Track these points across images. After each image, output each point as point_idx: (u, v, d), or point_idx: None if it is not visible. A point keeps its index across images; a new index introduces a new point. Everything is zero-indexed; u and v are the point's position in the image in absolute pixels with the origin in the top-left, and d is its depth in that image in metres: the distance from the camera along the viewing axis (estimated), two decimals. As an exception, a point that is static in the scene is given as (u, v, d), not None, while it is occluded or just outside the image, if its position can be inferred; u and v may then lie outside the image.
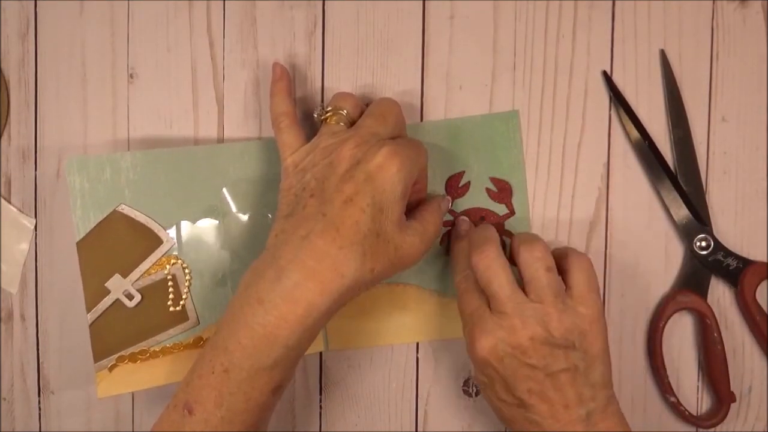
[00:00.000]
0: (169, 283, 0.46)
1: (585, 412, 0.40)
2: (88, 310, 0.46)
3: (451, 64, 0.48)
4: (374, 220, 0.39)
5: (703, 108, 0.48)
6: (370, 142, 0.41)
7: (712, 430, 0.48)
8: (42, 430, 0.50)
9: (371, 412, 0.50)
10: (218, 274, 0.47)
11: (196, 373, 0.40)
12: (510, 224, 0.48)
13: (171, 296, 0.46)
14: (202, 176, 0.47)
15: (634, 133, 0.48)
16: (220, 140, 0.49)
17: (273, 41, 0.49)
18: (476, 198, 0.48)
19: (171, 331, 0.46)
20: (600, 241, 0.49)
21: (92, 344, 0.46)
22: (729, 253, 0.48)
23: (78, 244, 0.46)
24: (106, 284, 0.46)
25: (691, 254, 0.48)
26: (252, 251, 0.47)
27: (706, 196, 0.48)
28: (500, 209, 0.48)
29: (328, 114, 0.44)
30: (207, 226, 0.47)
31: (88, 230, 0.46)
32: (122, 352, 0.46)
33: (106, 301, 0.46)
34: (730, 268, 0.48)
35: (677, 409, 0.48)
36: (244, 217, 0.47)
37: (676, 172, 0.48)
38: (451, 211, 0.48)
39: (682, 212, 0.48)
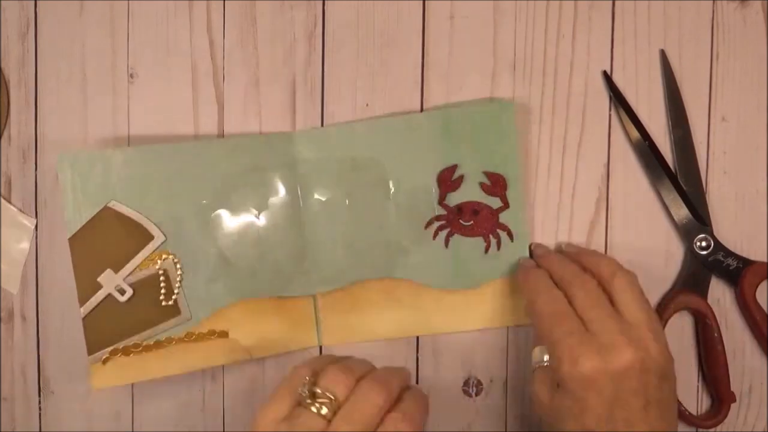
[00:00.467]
0: (161, 278, 0.46)
1: None
2: (81, 304, 0.46)
3: (451, 64, 0.48)
4: None
5: (703, 108, 0.48)
6: None
7: (712, 430, 0.48)
8: (42, 430, 0.50)
9: (371, 412, 0.49)
10: (210, 270, 0.47)
11: None
12: (504, 217, 0.47)
13: (163, 291, 0.46)
14: (193, 172, 0.46)
15: (634, 133, 0.48)
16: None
17: (273, 41, 0.49)
18: (470, 192, 0.47)
19: (163, 326, 0.46)
20: (600, 241, 0.49)
21: (86, 337, 0.46)
22: (729, 253, 0.48)
23: (70, 239, 0.46)
24: (98, 279, 0.46)
25: (691, 254, 0.48)
26: (243, 247, 0.47)
27: (706, 196, 0.48)
28: (494, 202, 0.47)
29: (312, 398, 0.37)
30: (198, 222, 0.47)
31: (80, 226, 0.46)
32: (115, 346, 0.46)
33: (99, 296, 0.46)
34: (730, 268, 0.48)
35: (677, 409, 0.48)
36: (235, 213, 0.47)
37: (676, 172, 0.48)
38: (443, 205, 0.47)
39: (682, 212, 0.48)
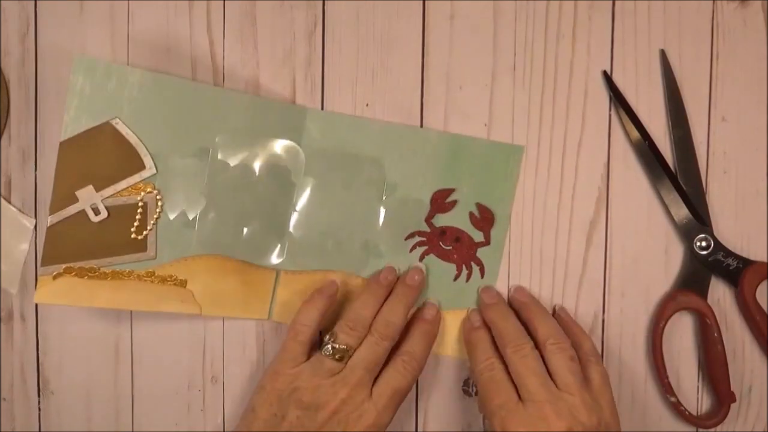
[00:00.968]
0: (139, 210, 0.45)
1: None
2: (51, 212, 0.45)
3: (451, 64, 0.48)
4: None
5: (703, 108, 0.48)
6: (359, 396, 0.43)
7: (712, 430, 0.48)
8: (42, 430, 0.50)
9: (371, 412, 0.49)
10: (189, 215, 0.47)
11: None
12: (482, 253, 0.48)
13: (136, 224, 0.46)
14: (203, 115, 0.46)
15: (634, 133, 0.48)
16: (220, 140, 0.49)
17: (273, 41, 0.49)
18: (458, 218, 0.48)
19: (126, 257, 0.46)
20: (600, 241, 0.49)
21: (44, 248, 0.45)
22: (729, 253, 0.48)
23: (61, 143, 0.44)
24: (76, 192, 0.45)
25: (691, 254, 0.48)
26: (232, 201, 0.47)
27: (706, 196, 0.48)
28: (477, 236, 0.48)
29: (328, 349, 0.44)
30: (192, 166, 0.46)
31: (75, 134, 0.45)
32: (71, 264, 0.45)
33: (71, 209, 0.45)
34: (730, 268, 0.48)
35: (677, 409, 0.48)
36: (231, 167, 0.47)
37: (676, 172, 0.48)
38: (429, 223, 0.48)
39: (682, 212, 0.48)
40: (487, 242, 0.48)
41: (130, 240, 0.46)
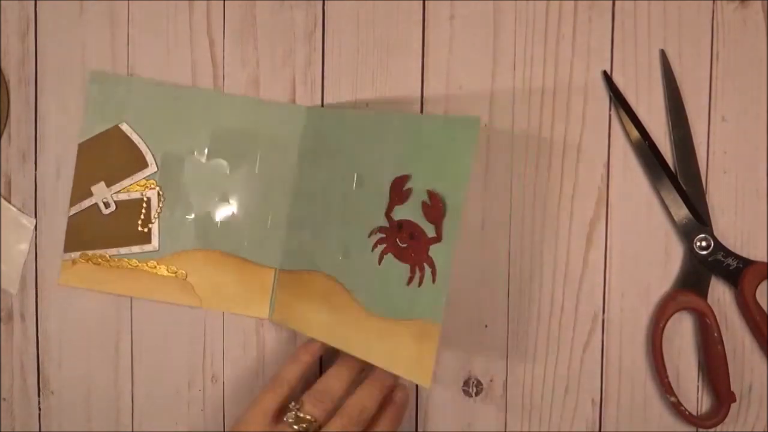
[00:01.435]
0: (143, 205, 0.49)
1: None
2: (71, 205, 0.49)
3: (451, 64, 0.48)
4: None
5: (703, 108, 0.48)
6: None
7: (712, 430, 0.48)
8: (42, 430, 0.50)
9: (371, 412, 0.49)
10: (187, 211, 0.49)
11: None
12: (434, 251, 0.41)
13: (142, 217, 0.49)
14: (199, 117, 0.49)
15: (634, 133, 0.48)
16: (220, 140, 0.49)
17: (273, 41, 0.49)
18: (413, 209, 0.42)
19: (134, 248, 0.49)
20: (600, 241, 0.49)
21: (66, 236, 0.49)
22: (729, 253, 0.48)
23: (79, 146, 0.49)
24: (91, 187, 0.49)
25: (691, 254, 0.48)
26: (224, 199, 0.49)
27: (706, 196, 0.48)
28: (430, 230, 0.41)
29: (291, 418, 0.42)
30: (191, 164, 0.49)
31: (90, 136, 0.49)
32: (86, 251, 0.49)
33: (86, 203, 0.49)
34: (730, 268, 0.48)
35: (677, 409, 0.48)
36: (227, 165, 0.49)
37: (676, 172, 0.48)
38: (389, 217, 0.43)
39: (682, 212, 0.48)
40: (438, 238, 0.41)
41: (137, 232, 0.49)
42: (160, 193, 0.49)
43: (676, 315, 0.48)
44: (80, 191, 0.49)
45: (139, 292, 0.49)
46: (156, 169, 0.49)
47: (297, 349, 0.47)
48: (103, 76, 0.49)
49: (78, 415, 0.50)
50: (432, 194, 0.41)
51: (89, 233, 0.49)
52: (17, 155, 0.49)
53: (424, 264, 0.41)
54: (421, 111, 0.48)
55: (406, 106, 0.48)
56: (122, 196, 0.49)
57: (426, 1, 0.48)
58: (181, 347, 0.50)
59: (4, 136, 0.49)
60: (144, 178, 0.49)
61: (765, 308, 0.48)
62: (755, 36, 0.48)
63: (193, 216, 0.49)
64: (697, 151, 0.48)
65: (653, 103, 0.48)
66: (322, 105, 0.49)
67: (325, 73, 0.49)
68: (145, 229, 0.49)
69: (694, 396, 0.49)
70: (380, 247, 0.43)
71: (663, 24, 0.48)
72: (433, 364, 0.41)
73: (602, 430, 0.49)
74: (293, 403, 0.43)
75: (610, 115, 0.48)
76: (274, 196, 0.49)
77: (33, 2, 0.49)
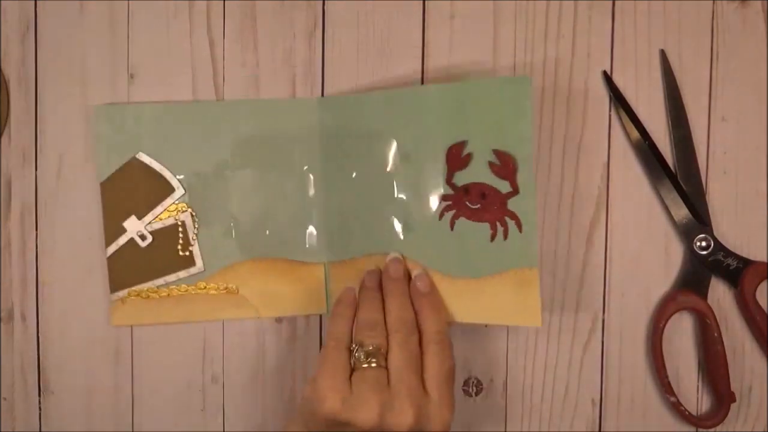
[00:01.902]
0: (180, 229, 0.49)
1: None
2: (107, 245, 0.49)
3: (451, 64, 0.48)
4: None
5: (703, 108, 0.48)
6: (421, 401, 0.41)
7: (712, 430, 0.48)
8: (42, 430, 0.50)
9: (371, 412, 0.49)
10: (225, 225, 0.49)
11: None
12: (513, 204, 0.44)
13: (180, 241, 0.49)
14: (216, 130, 0.48)
15: (634, 133, 0.48)
16: (220, 140, 0.49)
17: (273, 41, 0.49)
18: (478, 172, 0.44)
19: (180, 274, 0.49)
20: (600, 241, 0.49)
21: (109, 276, 0.49)
22: (729, 253, 0.48)
23: (101, 185, 0.48)
24: (123, 224, 0.48)
25: (691, 254, 0.48)
26: (258, 205, 0.49)
27: (706, 196, 0.48)
28: (503, 186, 0.44)
29: (361, 357, 0.42)
30: (216, 179, 0.48)
31: (110, 174, 0.48)
32: (134, 288, 0.49)
33: (122, 240, 0.49)
34: (730, 268, 0.48)
35: (677, 409, 0.48)
36: (252, 173, 0.49)
37: (676, 172, 0.48)
38: (451, 184, 0.45)
39: (682, 212, 0.48)
40: (515, 191, 0.43)
41: (179, 257, 0.49)
42: (193, 213, 0.49)
43: (676, 315, 0.48)
44: (113, 229, 0.48)
45: (194, 316, 0.49)
46: (183, 191, 0.48)
47: (334, 307, 0.45)
48: (108, 111, 0.48)
49: (78, 415, 0.50)
50: (499, 153, 0.44)
51: (132, 269, 0.49)
52: (17, 155, 0.49)
53: (505, 218, 0.44)
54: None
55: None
56: (156, 225, 0.49)
57: (426, 1, 0.48)
58: (181, 348, 0.50)
59: (4, 136, 0.49)
60: (173, 202, 0.48)
61: (765, 308, 0.48)
62: (755, 36, 0.48)
63: (231, 229, 0.49)
64: (697, 151, 0.48)
65: (653, 103, 0.48)
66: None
67: (325, 73, 0.49)
68: (187, 252, 0.49)
69: (694, 396, 0.49)
70: (449, 214, 0.45)
71: (663, 24, 0.48)
72: (539, 306, 0.43)
73: (602, 430, 0.49)
74: (354, 346, 0.43)
75: (610, 115, 0.48)
76: (305, 192, 0.48)
77: (33, 2, 0.49)
